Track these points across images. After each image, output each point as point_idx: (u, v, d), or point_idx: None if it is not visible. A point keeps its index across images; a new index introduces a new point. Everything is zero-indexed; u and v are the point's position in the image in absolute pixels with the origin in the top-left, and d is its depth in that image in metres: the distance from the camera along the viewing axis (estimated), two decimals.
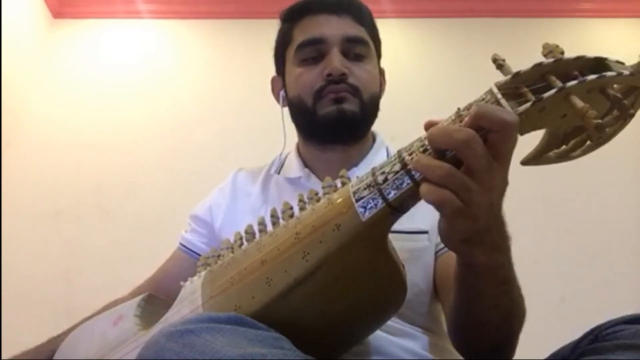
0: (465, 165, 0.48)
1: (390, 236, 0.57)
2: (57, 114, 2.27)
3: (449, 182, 0.49)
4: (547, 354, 0.59)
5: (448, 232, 0.53)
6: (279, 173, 1.00)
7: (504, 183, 0.51)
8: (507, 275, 0.58)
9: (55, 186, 2.13)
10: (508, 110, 0.49)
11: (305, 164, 0.97)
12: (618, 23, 2.35)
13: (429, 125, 0.54)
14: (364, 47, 0.94)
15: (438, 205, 0.50)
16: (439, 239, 0.83)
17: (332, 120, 0.88)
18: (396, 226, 0.56)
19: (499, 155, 0.49)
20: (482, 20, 2.36)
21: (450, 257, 0.79)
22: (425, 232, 0.83)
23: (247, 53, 2.27)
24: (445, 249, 0.82)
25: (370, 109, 0.92)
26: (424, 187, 0.50)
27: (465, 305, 0.63)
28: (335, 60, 0.89)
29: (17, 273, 1.97)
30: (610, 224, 2.01)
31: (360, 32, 0.94)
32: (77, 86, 2.33)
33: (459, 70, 2.20)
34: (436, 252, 0.84)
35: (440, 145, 0.50)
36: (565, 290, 1.87)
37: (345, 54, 0.91)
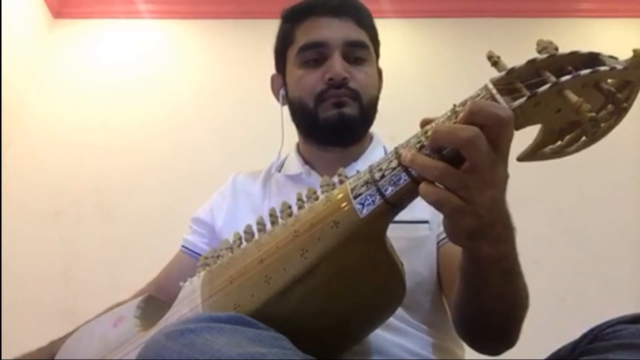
0: (469, 162, 0.49)
1: (391, 226, 0.57)
2: (57, 114, 2.27)
3: (446, 181, 0.50)
4: (547, 354, 0.59)
5: (452, 229, 0.54)
6: (279, 172, 1.00)
7: (505, 177, 0.52)
8: (511, 265, 0.59)
9: (55, 186, 2.13)
10: (502, 106, 0.50)
11: (306, 162, 0.98)
12: (618, 23, 2.35)
13: (424, 123, 0.55)
14: (365, 50, 0.94)
15: (436, 205, 0.51)
16: (441, 229, 0.83)
17: (333, 124, 0.89)
18: (397, 216, 0.57)
19: (497, 150, 0.49)
20: (482, 20, 2.36)
21: (453, 247, 0.79)
22: (426, 222, 0.84)
23: (247, 53, 2.27)
24: (447, 238, 0.82)
25: (369, 112, 0.93)
26: (422, 187, 0.51)
27: (470, 296, 0.64)
28: (337, 65, 0.90)
29: (17, 273, 1.97)
30: (610, 224, 2.01)
31: (361, 35, 0.95)
32: (77, 86, 2.33)
33: (459, 70, 2.20)
34: (438, 242, 0.85)
35: (445, 143, 0.50)
36: (565, 290, 1.87)
37: (346, 57, 0.92)
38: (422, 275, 0.82)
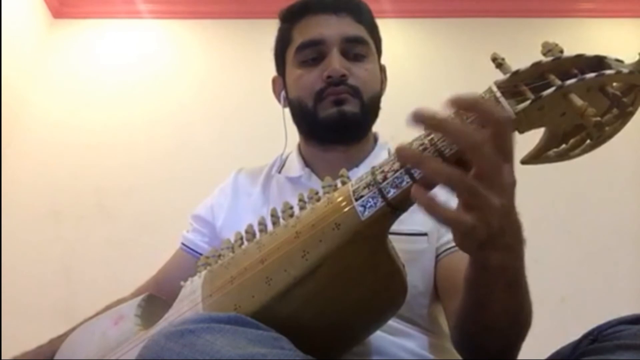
0: (477, 167, 0.47)
1: (389, 237, 0.57)
2: (57, 114, 2.27)
3: (461, 188, 0.48)
4: (547, 354, 0.59)
5: (464, 240, 0.52)
6: (280, 172, 1.00)
7: (513, 182, 0.50)
8: (516, 278, 0.57)
9: (55, 186, 2.13)
10: (503, 108, 0.49)
11: (306, 163, 0.97)
12: (618, 23, 2.35)
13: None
14: (364, 46, 0.93)
15: (448, 224, 0.49)
16: (440, 242, 0.82)
17: (333, 122, 0.88)
18: (395, 228, 0.56)
19: (502, 153, 0.48)
20: (482, 20, 2.36)
21: (454, 260, 0.79)
22: (425, 234, 0.82)
23: (247, 53, 2.27)
24: (448, 251, 0.81)
25: (371, 109, 0.92)
26: (432, 207, 0.48)
27: (473, 309, 0.62)
28: (335, 62, 0.88)
29: (17, 273, 1.97)
30: (610, 224, 2.01)
31: (359, 31, 0.93)
32: (77, 86, 2.33)
33: (459, 70, 2.20)
34: (438, 255, 0.83)
35: (459, 145, 0.48)
36: (565, 290, 1.87)
37: (345, 54, 0.91)
38: (418, 289, 0.80)
